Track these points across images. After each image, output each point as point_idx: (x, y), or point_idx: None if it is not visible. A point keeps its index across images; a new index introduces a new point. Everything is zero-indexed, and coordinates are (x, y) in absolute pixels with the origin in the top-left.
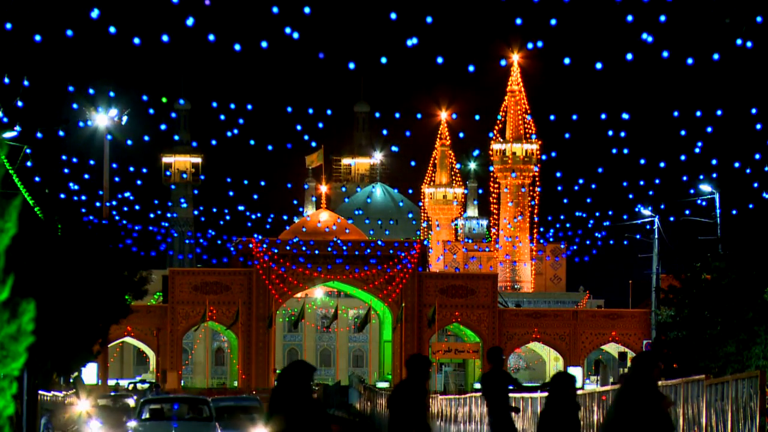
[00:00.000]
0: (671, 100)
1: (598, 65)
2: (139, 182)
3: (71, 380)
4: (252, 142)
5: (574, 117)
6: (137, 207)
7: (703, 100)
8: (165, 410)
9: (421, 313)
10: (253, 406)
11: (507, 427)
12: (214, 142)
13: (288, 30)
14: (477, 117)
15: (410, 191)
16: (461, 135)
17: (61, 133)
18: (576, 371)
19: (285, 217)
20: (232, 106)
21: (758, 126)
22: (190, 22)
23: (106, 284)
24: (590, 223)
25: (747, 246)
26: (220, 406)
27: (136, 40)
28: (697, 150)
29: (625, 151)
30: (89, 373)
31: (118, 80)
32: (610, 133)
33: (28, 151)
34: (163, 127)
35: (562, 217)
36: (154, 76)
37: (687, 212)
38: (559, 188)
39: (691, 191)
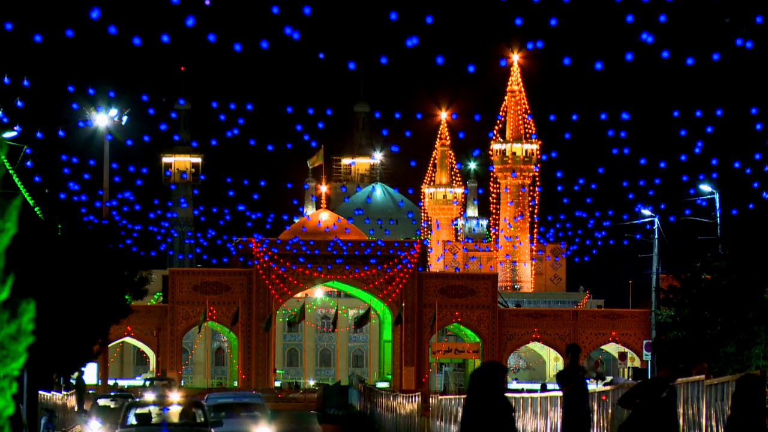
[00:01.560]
0: (671, 100)
1: (598, 65)
2: (139, 182)
3: (73, 380)
4: (252, 142)
5: (574, 117)
6: (137, 207)
7: (703, 100)
8: (153, 415)
9: (421, 313)
10: (255, 403)
11: (579, 419)
12: (214, 142)
13: (288, 30)
14: (477, 117)
15: (410, 191)
16: (461, 135)
17: (61, 133)
18: None
19: (285, 217)
20: (232, 106)
21: (758, 126)
22: (190, 22)
23: (106, 284)
24: (590, 223)
25: (747, 246)
26: (219, 403)
27: (136, 40)
28: (697, 150)
29: (625, 151)
30: (89, 373)
31: (118, 80)
32: (610, 133)
33: (28, 151)
34: (163, 127)
35: (562, 217)
36: (154, 76)
37: (687, 212)
38: (559, 188)
39: (691, 191)
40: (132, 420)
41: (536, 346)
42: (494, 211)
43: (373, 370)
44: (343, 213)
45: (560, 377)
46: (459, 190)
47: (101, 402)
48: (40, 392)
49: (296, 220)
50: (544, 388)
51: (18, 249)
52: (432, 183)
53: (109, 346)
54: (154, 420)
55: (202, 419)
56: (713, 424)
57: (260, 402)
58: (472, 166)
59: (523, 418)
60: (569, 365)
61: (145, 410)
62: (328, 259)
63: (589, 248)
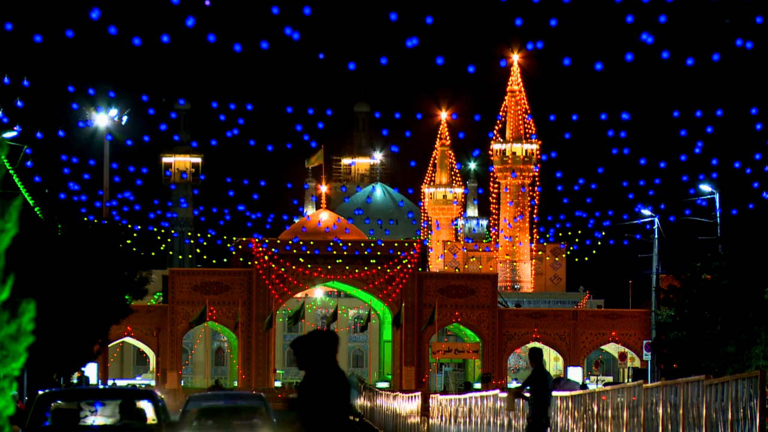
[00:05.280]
0: (671, 100)
1: (598, 65)
2: (139, 182)
3: (77, 380)
4: (252, 142)
5: (574, 117)
6: (137, 207)
7: (703, 100)
8: (81, 412)
9: (421, 313)
10: (253, 406)
11: (539, 426)
12: (214, 142)
13: (288, 30)
14: (477, 117)
15: (410, 191)
16: (461, 135)
17: (61, 133)
18: (576, 371)
19: (285, 217)
20: (232, 106)
21: (758, 126)
22: (190, 22)
23: (106, 284)
24: (590, 223)
25: (747, 246)
26: (204, 407)
27: (136, 41)
28: (697, 150)
29: (625, 151)
30: (89, 373)
31: (118, 80)
32: (610, 133)
33: (28, 151)
34: (163, 127)
35: (562, 217)
36: (154, 76)
37: (687, 212)
38: (559, 188)
39: (691, 191)
40: (48, 421)
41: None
42: (494, 211)
43: (373, 370)
44: (343, 213)
45: (527, 383)
46: (459, 190)
47: None
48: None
49: (296, 220)
50: (468, 388)
51: (18, 249)
52: (432, 183)
53: (109, 346)
54: (83, 420)
55: (154, 419)
56: (713, 424)
57: (260, 405)
58: (472, 166)
59: (523, 417)
60: (534, 371)
61: (70, 405)
62: (328, 259)
63: (589, 248)
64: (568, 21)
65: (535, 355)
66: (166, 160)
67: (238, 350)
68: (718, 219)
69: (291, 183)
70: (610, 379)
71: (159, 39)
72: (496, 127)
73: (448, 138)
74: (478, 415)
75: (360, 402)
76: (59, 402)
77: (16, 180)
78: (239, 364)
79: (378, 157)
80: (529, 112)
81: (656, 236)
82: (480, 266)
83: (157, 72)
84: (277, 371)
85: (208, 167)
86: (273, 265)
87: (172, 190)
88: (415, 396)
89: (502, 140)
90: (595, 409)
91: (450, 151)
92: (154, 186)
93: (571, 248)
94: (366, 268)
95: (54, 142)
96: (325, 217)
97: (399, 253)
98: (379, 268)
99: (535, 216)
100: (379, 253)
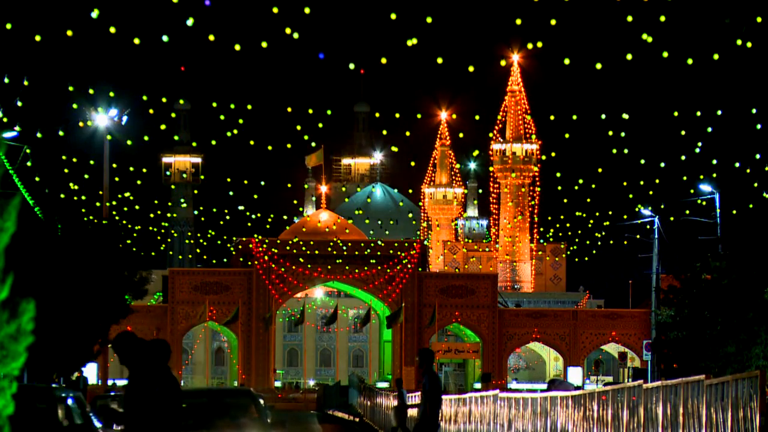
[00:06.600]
0: (671, 100)
1: (598, 65)
2: (139, 182)
3: (76, 380)
4: (252, 142)
5: (574, 117)
6: (137, 207)
7: (703, 100)
8: None
9: (421, 313)
10: (240, 403)
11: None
12: (214, 142)
13: (288, 30)
14: (477, 117)
15: (410, 191)
16: (461, 135)
17: (61, 133)
18: (576, 371)
19: (285, 217)
20: (232, 106)
21: (758, 126)
22: (190, 22)
23: (106, 284)
24: (590, 223)
25: (747, 246)
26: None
27: (136, 40)
28: (697, 150)
29: (625, 151)
30: (89, 373)
31: (118, 80)
32: (610, 133)
33: (28, 151)
34: (163, 127)
35: (562, 217)
36: (154, 76)
37: (687, 212)
38: (559, 188)
39: (691, 191)
40: None
41: (536, 346)
42: (494, 211)
43: (373, 370)
44: (343, 213)
45: (431, 393)
46: (459, 190)
47: (100, 402)
48: None
49: (296, 220)
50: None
51: (18, 248)
52: (432, 183)
53: (109, 346)
54: None
55: (80, 420)
56: (713, 424)
57: (248, 402)
58: (472, 166)
59: (522, 417)
60: (429, 376)
61: None
62: (328, 259)
63: (589, 248)
64: (568, 21)
65: (427, 357)
66: (166, 160)
67: (238, 350)
68: (718, 219)
69: (291, 183)
70: (610, 379)
71: (159, 39)
72: (496, 127)
73: (448, 138)
74: (477, 416)
75: (360, 402)
76: None
77: (16, 180)
78: (239, 364)
79: (378, 157)
80: (529, 112)
81: (656, 236)
82: (480, 266)
83: (157, 72)
84: (277, 371)
85: (208, 167)
86: (273, 265)
87: (172, 190)
88: (415, 396)
89: (502, 140)
90: (595, 409)
91: (450, 151)
92: (154, 186)
93: (571, 248)
94: (366, 268)
95: (54, 142)
96: (325, 217)
97: (399, 253)
98: (379, 268)
99: (535, 216)
100: (379, 253)
